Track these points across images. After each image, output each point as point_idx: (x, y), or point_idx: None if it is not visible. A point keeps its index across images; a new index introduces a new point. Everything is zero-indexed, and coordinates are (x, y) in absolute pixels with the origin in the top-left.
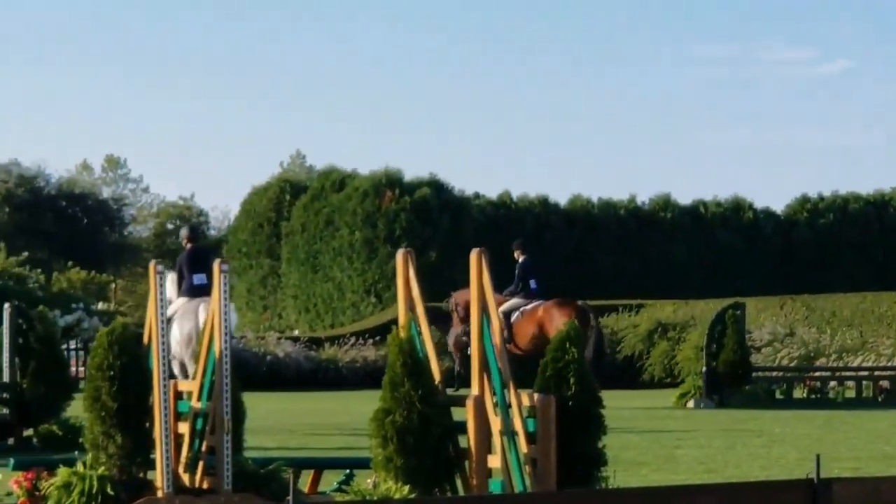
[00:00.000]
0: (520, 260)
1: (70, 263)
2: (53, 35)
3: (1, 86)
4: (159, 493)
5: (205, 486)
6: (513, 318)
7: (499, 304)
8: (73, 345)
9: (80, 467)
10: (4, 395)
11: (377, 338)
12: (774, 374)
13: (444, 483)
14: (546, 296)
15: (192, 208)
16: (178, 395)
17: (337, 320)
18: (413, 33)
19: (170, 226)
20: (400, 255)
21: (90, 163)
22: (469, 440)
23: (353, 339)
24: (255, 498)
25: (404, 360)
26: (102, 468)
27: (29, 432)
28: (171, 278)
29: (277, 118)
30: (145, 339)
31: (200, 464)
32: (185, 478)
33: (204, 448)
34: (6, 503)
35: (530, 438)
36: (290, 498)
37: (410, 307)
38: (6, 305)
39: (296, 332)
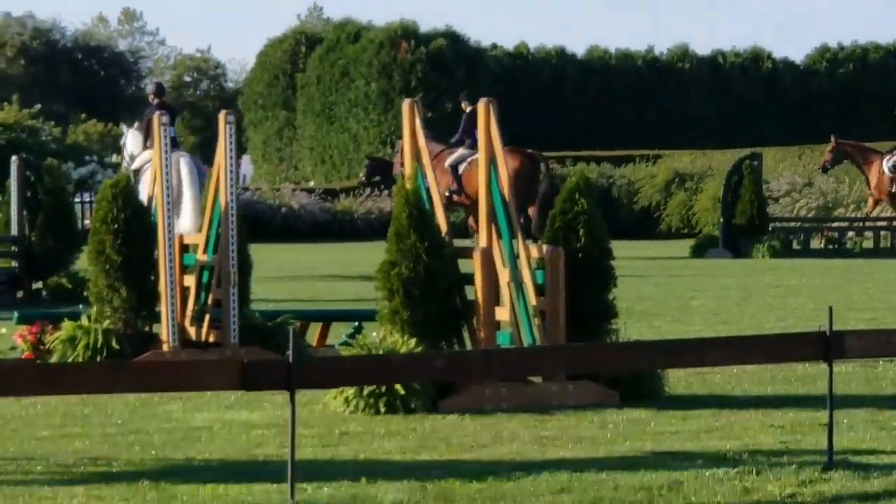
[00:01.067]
0: (467, 111)
1: (83, 116)
2: None
3: None
4: (165, 347)
5: (211, 339)
6: (461, 170)
7: (446, 156)
8: (86, 197)
9: (84, 321)
10: (13, 247)
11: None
12: (792, 224)
13: (451, 336)
14: None
15: (209, 61)
16: (184, 248)
17: (353, 171)
18: None
19: (187, 78)
20: (406, 104)
21: (106, 16)
22: (476, 292)
23: (368, 191)
24: (262, 351)
25: (410, 211)
26: (107, 322)
27: (38, 285)
28: (132, 133)
29: None
30: (150, 192)
31: (206, 317)
32: (191, 331)
33: (210, 301)
34: (11, 357)
35: (539, 290)
36: (289, 352)
37: (416, 157)
38: (14, 158)
39: (311, 184)
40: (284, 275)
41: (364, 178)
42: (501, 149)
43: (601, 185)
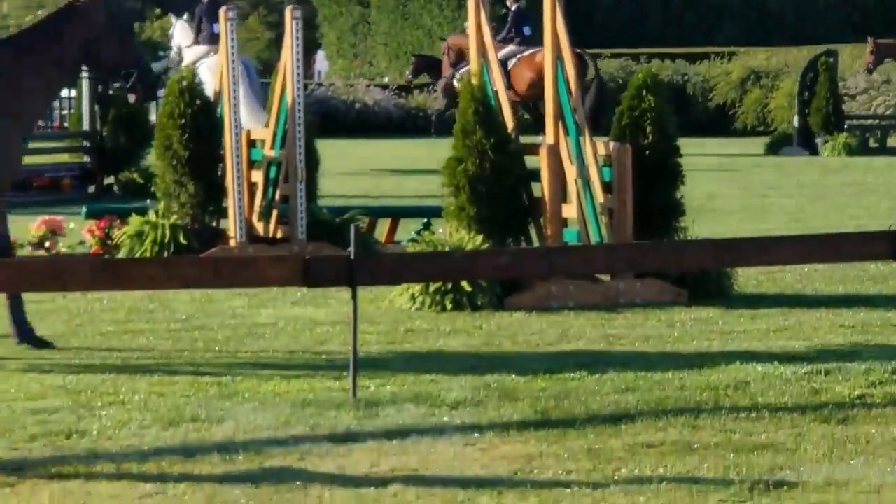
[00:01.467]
0: (512, 8)
1: (158, 11)
2: None
3: None
4: (232, 242)
5: (278, 235)
6: (510, 65)
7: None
8: (160, 93)
9: (152, 216)
10: (85, 143)
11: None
12: (868, 122)
13: (518, 233)
14: (541, 42)
15: None
16: (251, 143)
17: None
18: None
19: None
20: (472, 0)
21: None
22: (543, 189)
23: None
24: (329, 247)
25: (476, 107)
26: (175, 217)
27: (110, 180)
28: (180, 26)
29: None
30: (216, 87)
31: (274, 213)
32: (259, 227)
33: (277, 197)
34: (79, 251)
35: (606, 188)
36: (351, 248)
37: (482, 54)
38: None
39: (385, 80)
40: (356, 170)
41: (410, 76)
42: (568, 45)
43: (675, 82)
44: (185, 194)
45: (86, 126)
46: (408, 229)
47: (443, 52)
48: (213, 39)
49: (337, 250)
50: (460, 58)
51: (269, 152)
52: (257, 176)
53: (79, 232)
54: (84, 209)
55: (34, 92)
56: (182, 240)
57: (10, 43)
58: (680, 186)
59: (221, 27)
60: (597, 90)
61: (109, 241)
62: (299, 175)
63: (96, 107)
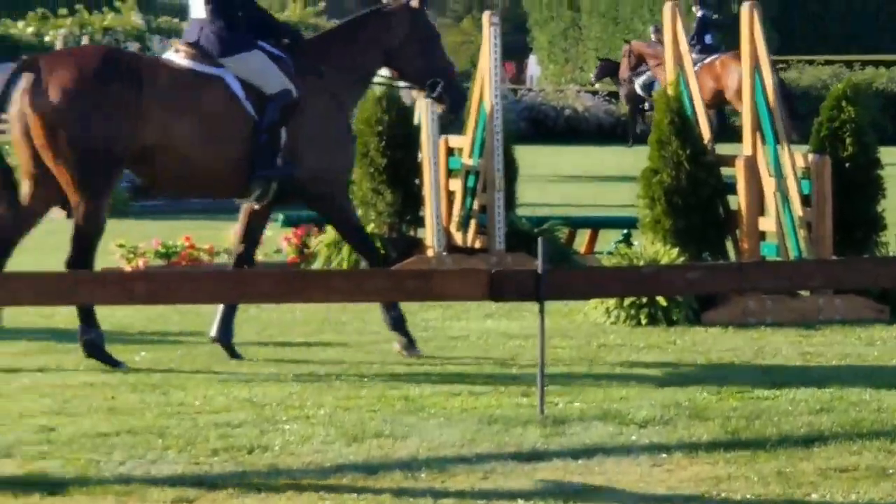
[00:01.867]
0: (698, 14)
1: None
2: None
3: None
4: (429, 252)
5: (476, 245)
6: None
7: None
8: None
9: None
10: None
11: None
12: None
13: (714, 246)
14: (721, 50)
15: None
16: (450, 152)
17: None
18: None
19: None
20: (667, 8)
21: None
22: (739, 201)
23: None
24: (528, 258)
25: (671, 118)
26: (372, 225)
27: None
28: None
29: None
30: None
31: (472, 222)
32: (457, 236)
33: (475, 206)
34: (275, 260)
35: (804, 201)
36: (538, 262)
37: (678, 63)
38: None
39: (596, 86)
40: (561, 178)
41: (594, 79)
42: (766, 54)
43: (891, 90)
44: (382, 203)
45: None
46: (608, 239)
47: (623, 56)
48: None
49: (535, 261)
50: (640, 62)
51: (468, 161)
52: (455, 185)
53: (276, 240)
54: (281, 217)
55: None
56: (378, 248)
57: (310, 45)
58: (881, 200)
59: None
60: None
61: (306, 250)
62: (497, 184)
63: None
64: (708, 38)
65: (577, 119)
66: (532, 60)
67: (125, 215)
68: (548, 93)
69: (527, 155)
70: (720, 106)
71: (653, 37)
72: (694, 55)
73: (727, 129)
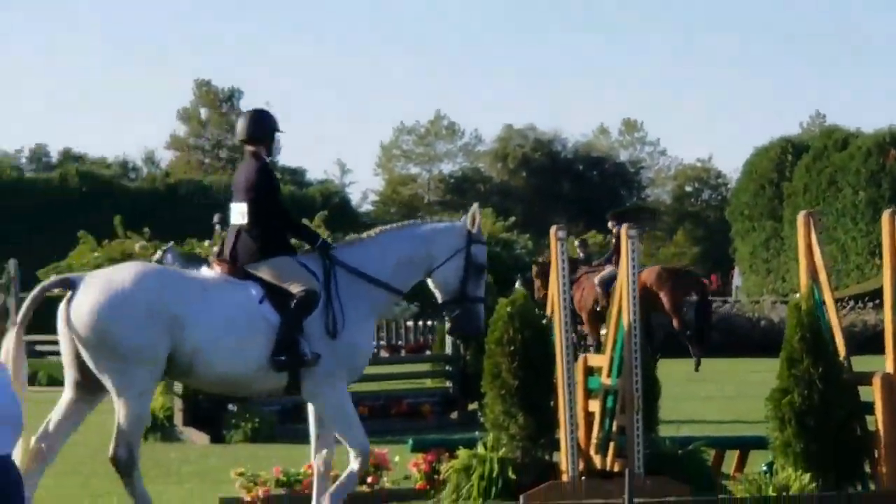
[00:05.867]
0: (614, 230)
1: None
2: None
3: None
4: (564, 477)
5: (615, 468)
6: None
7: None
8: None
9: (480, 449)
10: (447, 367)
11: (876, 301)
12: None
13: (851, 472)
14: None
15: (710, 170)
16: (589, 371)
17: (841, 283)
18: None
19: (688, 188)
20: (801, 217)
21: (607, 126)
22: (878, 423)
23: (851, 303)
24: (670, 482)
25: (803, 333)
26: (504, 450)
27: (474, 406)
28: None
29: (796, 76)
30: (548, 311)
31: (611, 444)
32: (596, 459)
33: (614, 428)
34: (404, 486)
35: None
36: (625, 497)
37: (812, 275)
38: None
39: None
40: (741, 394)
41: None
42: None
43: None
44: (514, 426)
45: (448, 350)
46: (758, 462)
47: None
48: None
49: (678, 485)
50: None
51: (606, 380)
52: (595, 405)
53: (404, 466)
54: (410, 441)
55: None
56: (510, 474)
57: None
58: None
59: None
60: (700, 309)
61: (436, 476)
62: (635, 405)
63: None
64: None
65: (774, 331)
66: (737, 271)
67: (273, 440)
68: (743, 304)
69: (718, 366)
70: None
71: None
72: (613, 268)
73: None
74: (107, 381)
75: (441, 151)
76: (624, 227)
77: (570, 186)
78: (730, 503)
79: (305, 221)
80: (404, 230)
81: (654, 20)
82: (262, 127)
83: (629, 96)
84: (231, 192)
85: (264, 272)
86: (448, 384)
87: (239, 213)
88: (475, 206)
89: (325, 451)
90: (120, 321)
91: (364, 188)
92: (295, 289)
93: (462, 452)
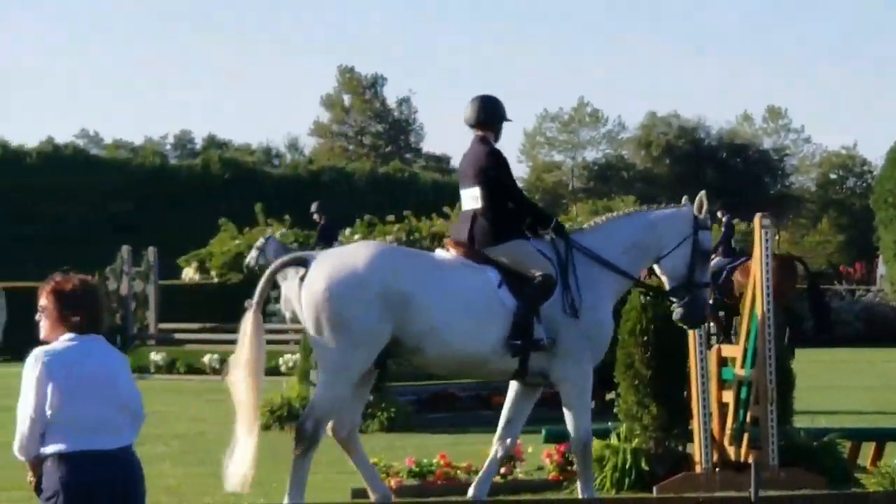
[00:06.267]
0: (725, 220)
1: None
2: None
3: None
4: (697, 468)
5: (749, 459)
6: (721, 279)
7: None
8: None
9: (613, 439)
10: None
11: None
12: None
13: None
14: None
15: (855, 158)
16: (722, 362)
17: None
18: None
19: (832, 176)
20: None
21: (751, 113)
22: None
23: None
24: (805, 474)
25: None
26: (637, 440)
27: (611, 395)
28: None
29: None
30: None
31: (745, 436)
32: (730, 450)
33: (748, 419)
34: (537, 478)
35: None
36: (751, 490)
37: None
38: None
39: None
40: (884, 385)
41: None
42: None
43: None
44: (647, 416)
45: None
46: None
47: None
48: None
49: (813, 477)
50: None
51: (740, 371)
52: (728, 396)
53: (537, 456)
54: (544, 432)
55: None
56: (643, 465)
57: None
58: None
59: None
60: (812, 299)
61: (569, 467)
62: (769, 396)
63: None
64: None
65: None
66: (881, 260)
67: (409, 429)
68: (886, 293)
69: (860, 356)
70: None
71: None
72: (720, 259)
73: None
74: (323, 357)
75: (585, 139)
76: (757, 216)
77: (713, 174)
78: (861, 497)
79: (446, 209)
80: (634, 217)
81: (799, 7)
82: (492, 113)
83: (773, 83)
84: (460, 178)
85: (502, 256)
86: None
87: (472, 197)
88: (702, 192)
89: (509, 440)
90: (352, 302)
91: None
92: (532, 274)
93: (595, 443)
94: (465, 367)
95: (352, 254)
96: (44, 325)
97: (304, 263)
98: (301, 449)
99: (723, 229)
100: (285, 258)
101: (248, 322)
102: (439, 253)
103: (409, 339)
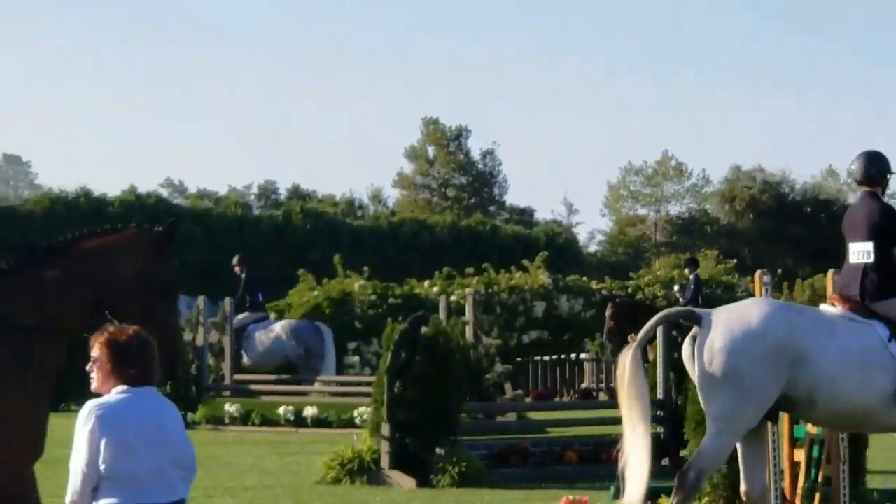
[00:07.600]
0: (691, 276)
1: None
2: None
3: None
4: None
5: None
6: None
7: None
8: None
9: None
10: (659, 412)
11: None
12: None
13: None
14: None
15: None
16: (794, 420)
17: None
18: None
19: None
20: None
21: (836, 168)
22: None
23: None
24: None
25: None
26: (707, 499)
27: (686, 452)
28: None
29: None
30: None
31: (817, 496)
32: None
33: (820, 478)
34: None
35: None
36: None
37: None
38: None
39: None
40: None
41: None
42: None
43: None
44: (717, 474)
45: (660, 395)
46: None
47: None
48: (257, 308)
49: None
50: None
51: (812, 430)
52: (800, 455)
53: None
54: (612, 488)
55: None
56: None
57: None
58: None
59: (756, 289)
60: None
61: None
62: (841, 455)
63: (671, 374)
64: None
65: None
66: None
67: (480, 484)
68: None
69: None
70: None
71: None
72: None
73: None
74: (712, 410)
75: (668, 192)
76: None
77: (798, 229)
78: None
79: (526, 262)
80: None
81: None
82: (880, 168)
83: (858, 137)
84: (846, 232)
85: (892, 310)
86: (659, 429)
87: (863, 251)
88: None
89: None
90: (749, 357)
91: (591, 228)
92: None
93: (664, 501)
94: (855, 420)
95: (746, 310)
96: (96, 377)
97: (694, 318)
98: (679, 498)
99: (692, 284)
100: (671, 310)
101: (625, 356)
102: (824, 308)
103: (799, 393)
